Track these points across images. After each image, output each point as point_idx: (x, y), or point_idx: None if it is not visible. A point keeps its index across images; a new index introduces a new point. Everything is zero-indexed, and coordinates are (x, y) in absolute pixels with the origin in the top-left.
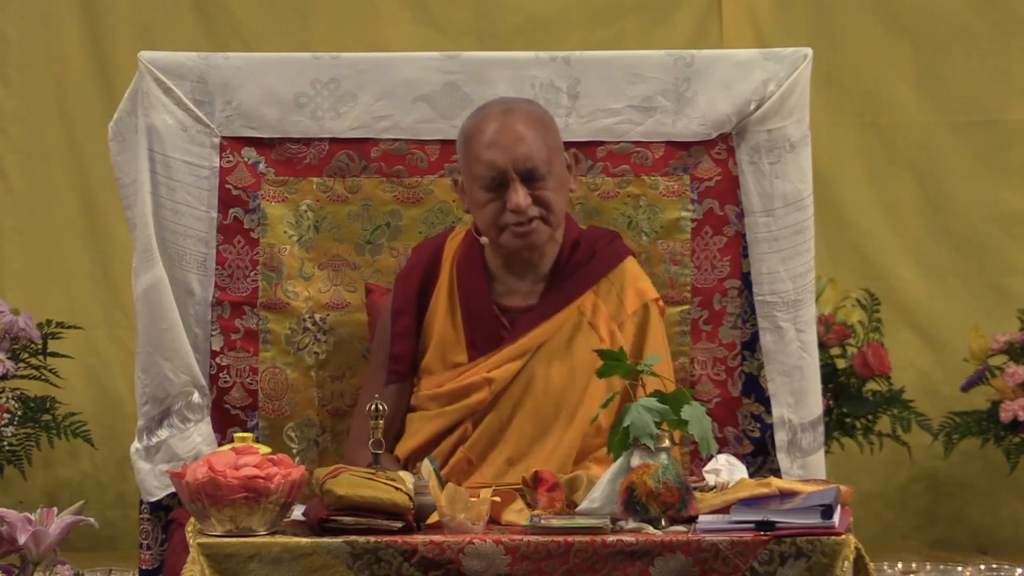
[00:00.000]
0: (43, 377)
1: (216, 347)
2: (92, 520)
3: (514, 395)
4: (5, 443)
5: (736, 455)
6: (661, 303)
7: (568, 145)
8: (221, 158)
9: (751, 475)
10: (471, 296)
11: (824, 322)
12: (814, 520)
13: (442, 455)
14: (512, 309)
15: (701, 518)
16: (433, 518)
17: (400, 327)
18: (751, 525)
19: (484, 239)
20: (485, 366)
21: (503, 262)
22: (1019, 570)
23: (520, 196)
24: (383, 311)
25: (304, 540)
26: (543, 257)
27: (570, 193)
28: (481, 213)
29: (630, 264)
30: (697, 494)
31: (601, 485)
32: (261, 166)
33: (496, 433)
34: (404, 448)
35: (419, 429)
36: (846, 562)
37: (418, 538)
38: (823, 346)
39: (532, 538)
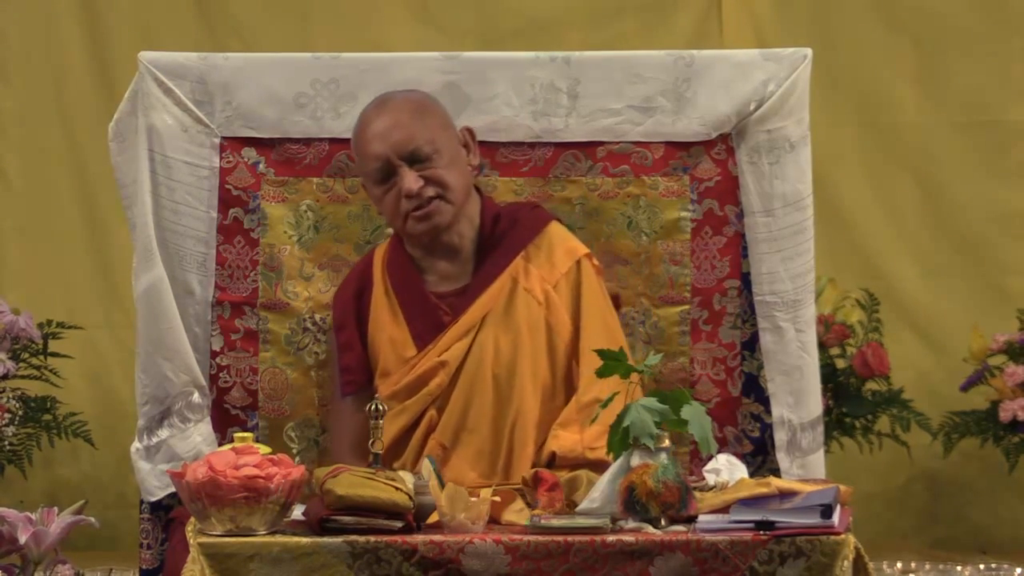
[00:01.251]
0: (43, 377)
1: (216, 347)
2: (92, 520)
3: (470, 372)
4: (6, 443)
5: (736, 455)
6: (595, 260)
7: (568, 145)
8: (221, 158)
9: (751, 475)
10: (406, 291)
11: (824, 322)
12: (814, 520)
13: (414, 449)
14: (448, 294)
15: (701, 518)
16: (433, 518)
17: (343, 339)
18: (751, 525)
19: (389, 229)
20: (435, 351)
21: (425, 252)
22: (1019, 570)
23: (409, 180)
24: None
25: (304, 540)
26: (463, 238)
27: (472, 168)
28: (382, 207)
29: (555, 227)
30: (697, 494)
31: (601, 485)
32: (261, 166)
33: (461, 413)
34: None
35: (386, 430)
36: (845, 562)
37: (418, 538)
38: (823, 346)
39: (532, 538)
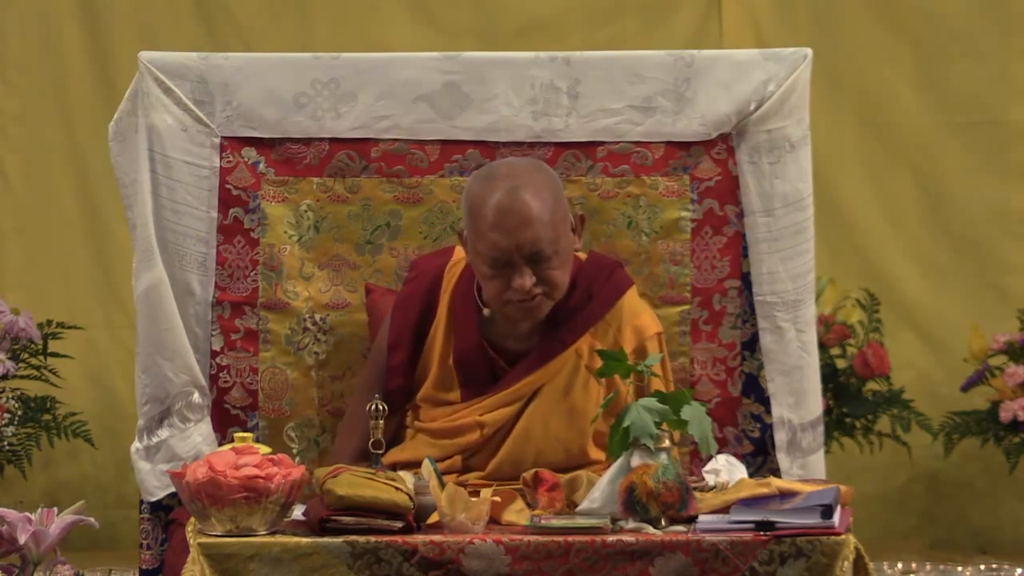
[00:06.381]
0: (43, 377)
1: (216, 347)
2: (92, 520)
3: (515, 441)
4: (5, 443)
5: (736, 455)
6: (661, 336)
7: (568, 145)
8: (221, 158)
9: (751, 475)
10: (466, 338)
11: (824, 322)
12: (814, 520)
13: None
14: (508, 351)
15: (701, 518)
16: (433, 518)
17: (395, 362)
18: (751, 525)
19: (487, 311)
20: (478, 408)
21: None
22: (1019, 570)
23: (525, 279)
24: (380, 330)
25: (304, 540)
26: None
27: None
28: (485, 284)
29: (628, 299)
30: (697, 494)
31: (601, 485)
32: (261, 166)
33: (489, 475)
34: (394, 457)
35: (411, 447)
36: (846, 562)
37: (418, 538)
38: (823, 346)
39: (532, 538)
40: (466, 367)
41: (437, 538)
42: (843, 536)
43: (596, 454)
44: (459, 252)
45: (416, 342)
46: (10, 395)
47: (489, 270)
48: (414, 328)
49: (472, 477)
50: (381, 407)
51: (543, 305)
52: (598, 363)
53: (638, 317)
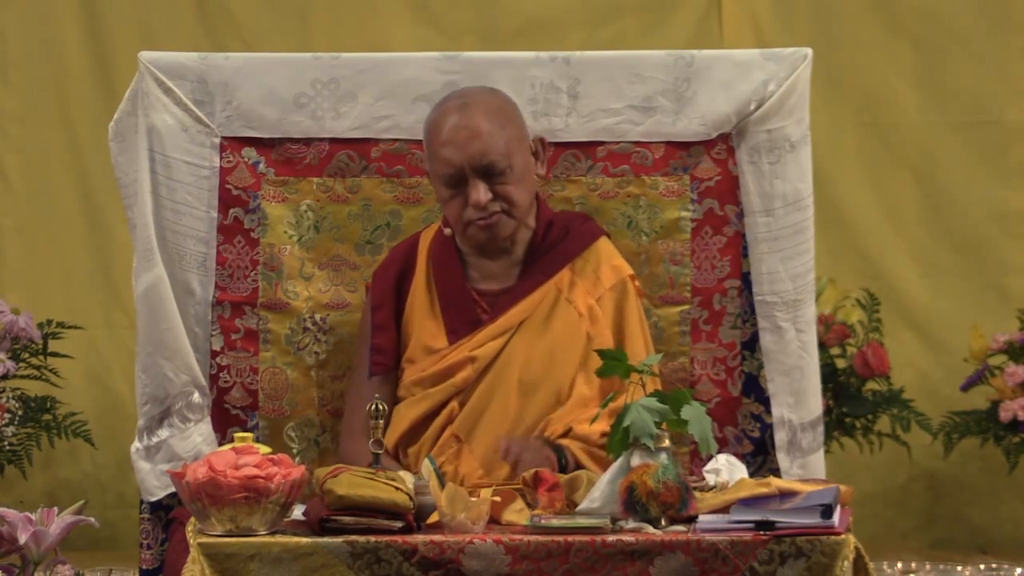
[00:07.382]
0: (43, 377)
1: (216, 347)
2: (92, 520)
3: (498, 372)
4: (6, 443)
5: (736, 455)
6: (636, 281)
7: (568, 145)
8: (221, 158)
9: (751, 475)
10: (447, 283)
11: (824, 322)
12: (814, 520)
13: (430, 438)
14: (489, 293)
15: (701, 518)
16: (433, 518)
17: (379, 320)
18: (751, 525)
19: (448, 230)
20: (467, 346)
21: (475, 250)
22: (1019, 570)
23: (480, 193)
24: (365, 302)
25: (304, 540)
26: (516, 243)
27: (537, 178)
28: (446, 208)
29: (604, 243)
30: (697, 494)
31: (601, 485)
32: (261, 166)
33: (482, 410)
34: (391, 436)
35: (406, 415)
36: (846, 562)
37: (418, 538)
38: (823, 346)
39: (532, 538)
40: (452, 312)
41: (437, 538)
42: (843, 536)
43: (578, 389)
44: (434, 224)
45: (398, 300)
46: (10, 395)
47: (447, 190)
48: (394, 286)
49: (459, 422)
50: (381, 407)
51: (503, 223)
52: (578, 295)
53: (615, 258)
